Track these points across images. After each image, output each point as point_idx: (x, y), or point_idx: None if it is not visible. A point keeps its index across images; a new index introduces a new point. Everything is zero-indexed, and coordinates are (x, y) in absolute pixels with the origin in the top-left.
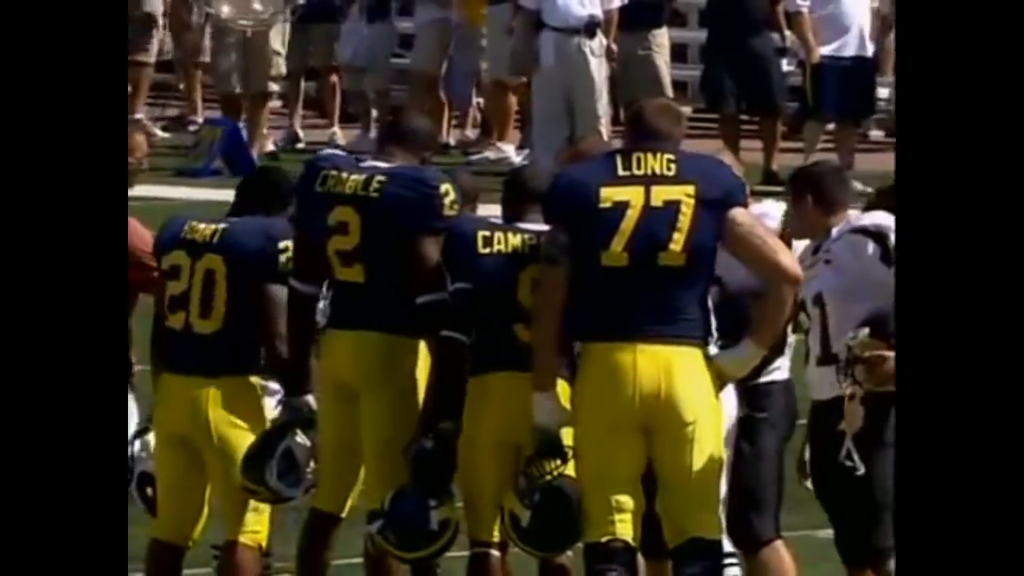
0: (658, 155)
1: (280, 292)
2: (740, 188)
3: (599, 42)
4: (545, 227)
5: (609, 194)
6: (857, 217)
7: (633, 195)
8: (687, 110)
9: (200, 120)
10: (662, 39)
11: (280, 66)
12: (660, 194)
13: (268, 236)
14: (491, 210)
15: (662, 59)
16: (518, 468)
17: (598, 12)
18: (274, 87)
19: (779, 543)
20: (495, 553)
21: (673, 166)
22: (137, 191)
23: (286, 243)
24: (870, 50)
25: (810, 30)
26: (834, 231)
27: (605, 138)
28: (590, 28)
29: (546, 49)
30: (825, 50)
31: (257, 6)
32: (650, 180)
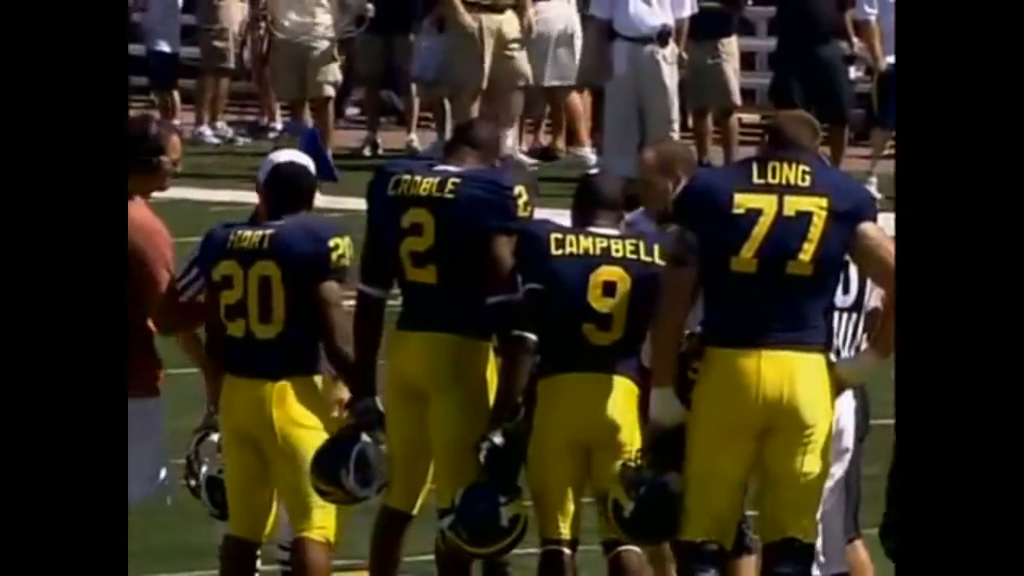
0: (793, 165)
1: (333, 289)
2: (870, 203)
3: (671, 50)
4: (615, 231)
5: (743, 200)
6: None
7: (766, 203)
8: (755, 117)
9: (278, 126)
10: (731, 47)
11: (336, 72)
12: (793, 204)
13: (317, 237)
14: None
15: (731, 67)
16: (590, 467)
17: (670, 21)
18: (331, 91)
19: (859, 542)
20: (565, 551)
21: (808, 177)
22: (220, 196)
23: (335, 241)
24: None
25: (878, 39)
26: None
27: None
28: (663, 37)
29: (619, 58)
30: (892, 58)
31: (321, 24)
32: (784, 189)
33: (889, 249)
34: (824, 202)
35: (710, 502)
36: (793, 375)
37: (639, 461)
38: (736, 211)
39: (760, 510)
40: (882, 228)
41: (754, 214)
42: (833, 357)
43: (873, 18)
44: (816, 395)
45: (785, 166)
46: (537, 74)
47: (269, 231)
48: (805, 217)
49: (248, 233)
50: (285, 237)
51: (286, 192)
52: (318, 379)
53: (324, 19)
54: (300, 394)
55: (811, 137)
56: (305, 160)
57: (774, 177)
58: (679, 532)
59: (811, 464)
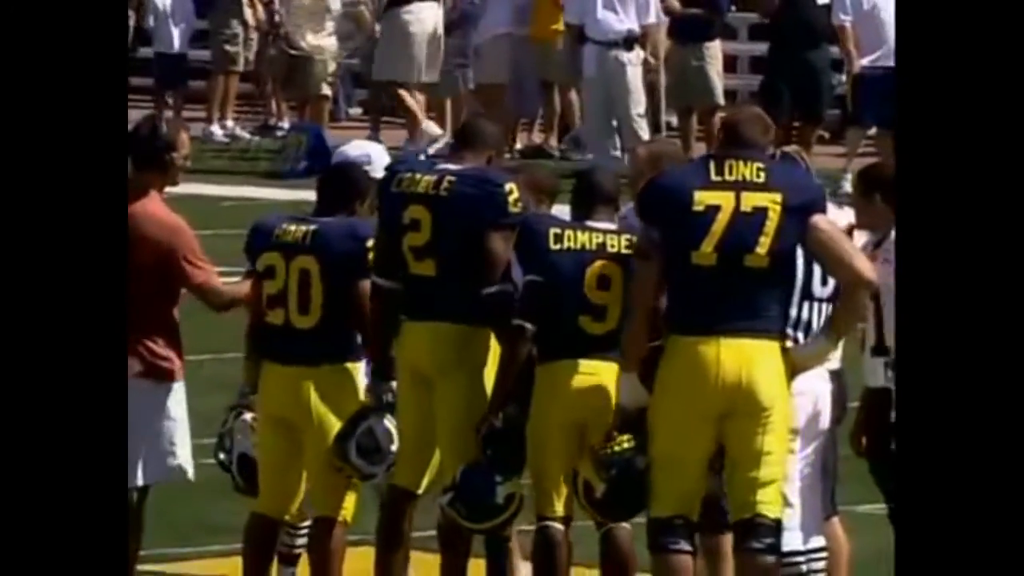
0: (749, 163)
1: (370, 286)
2: (822, 196)
3: (637, 54)
4: (612, 226)
5: (702, 198)
6: None
7: (724, 200)
8: None
9: (285, 125)
10: (715, 51)
11: (333, 73)
12: (749, 200)
13: (355, 236)
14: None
15: (715, 69)
16: (584, 448)
17: (636, 27)
18: (327, 90)
19: (835, 519)
20: (559, 527)
21: (762, 174)
22: (230, 191)
23: (372, 242)
24: None
25: (852, 42)
26: (894, 232)
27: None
28: (628, 42)
29: (589, 61)
30: (866, 61)
31: (331, 42)
32: (741, 186)
33: (841, 241)
34: (778, 197)
35: (675, 481)
36: (750, 361)
37: (608, 444)
38: (696, 208)
39: (728, 490)
40: (832, 220)
41: (713, 210)
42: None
43: (848, 23)
44: (772, 380)
45: (741, 164)
46: (415, 71)
47: (312, 227)
48: (761, 212)
49: (293, 227)
50: (326, 234)
51: (337, 189)
52: (352, 366)
53: (333, 31)
54: (335, 380)
55: (763, 133)
56: (365, 158)
57: (731, 174)
58: (644, 510)
59: (771, 444)
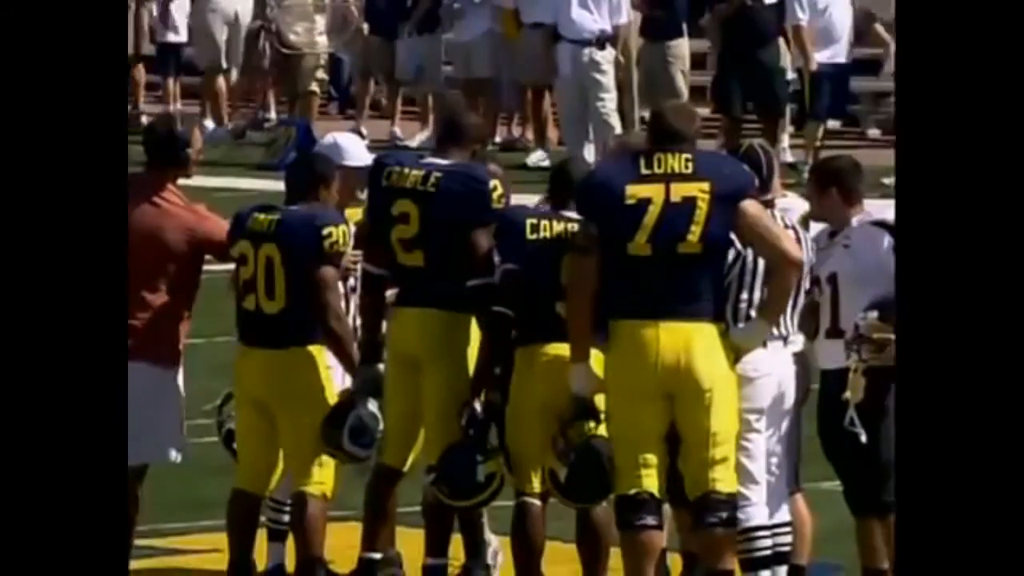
0: (677, 155)
1: (328, 273)
2: (750, 182)
3: (609, 52)
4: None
5: (633, 191)
6: (876, 210)
7: (655, 192)
8: (705, 111)
9: (274, 120)
10: (678, 50)
11: (322, 71)
12: (679, 191)
13: (313, 225)
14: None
15: (678, 68)
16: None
17: (608, 27)
18: (315, 87)
19: (799, 496)
20: (536, 503)
21: (690, 164)
22: (222, 183)
23: (329, 229)
24: (847, 56)
25: (809, 42)
26: (854, 220)
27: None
28: (601, 41)
29: (563, 59)
30: (821, 59)
31: (321, 39)
32: (670, 178)
33: (767, 224)
34: (706, 186)
35: (633, 458)
36: (689, 343)
37: (566, 431)
38: (628, 202)
39: (683, 471)
40: (760, 206)
41: (644, 203)
42: (782, 330)
43: (804, 22)
44: (711, 360)
45: (669, 156)
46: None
47: (276, 216)
48: (690, 201)
49: (261, 216)
50: (287, 223)
51: (301, 178)
52: (316, 348)
53: (323, 29)
54: (301, 362)
55: (689, 125)
56: (332, 147)
57: (660, 167)
58: (611, 491)
59: (716, 423)
